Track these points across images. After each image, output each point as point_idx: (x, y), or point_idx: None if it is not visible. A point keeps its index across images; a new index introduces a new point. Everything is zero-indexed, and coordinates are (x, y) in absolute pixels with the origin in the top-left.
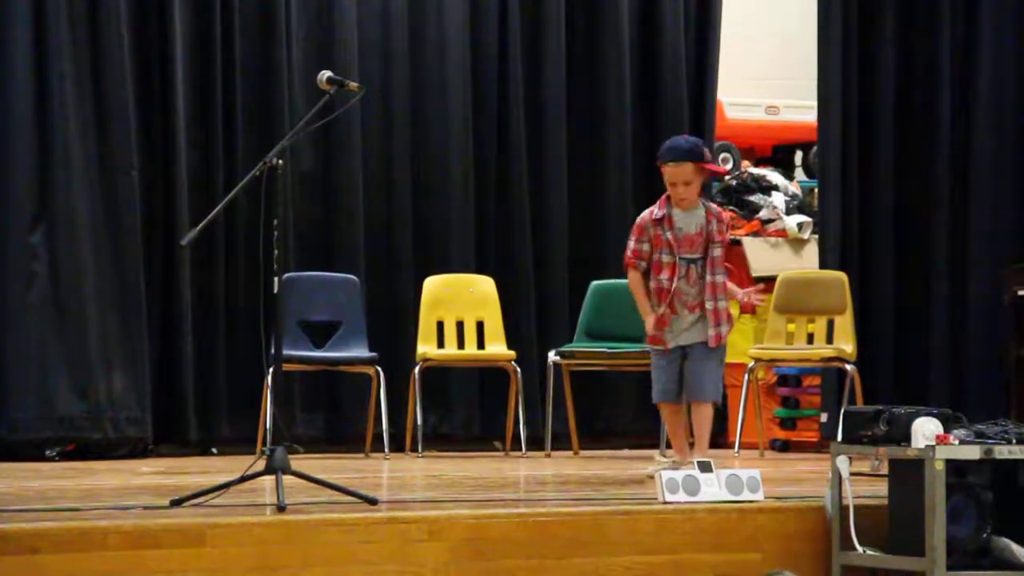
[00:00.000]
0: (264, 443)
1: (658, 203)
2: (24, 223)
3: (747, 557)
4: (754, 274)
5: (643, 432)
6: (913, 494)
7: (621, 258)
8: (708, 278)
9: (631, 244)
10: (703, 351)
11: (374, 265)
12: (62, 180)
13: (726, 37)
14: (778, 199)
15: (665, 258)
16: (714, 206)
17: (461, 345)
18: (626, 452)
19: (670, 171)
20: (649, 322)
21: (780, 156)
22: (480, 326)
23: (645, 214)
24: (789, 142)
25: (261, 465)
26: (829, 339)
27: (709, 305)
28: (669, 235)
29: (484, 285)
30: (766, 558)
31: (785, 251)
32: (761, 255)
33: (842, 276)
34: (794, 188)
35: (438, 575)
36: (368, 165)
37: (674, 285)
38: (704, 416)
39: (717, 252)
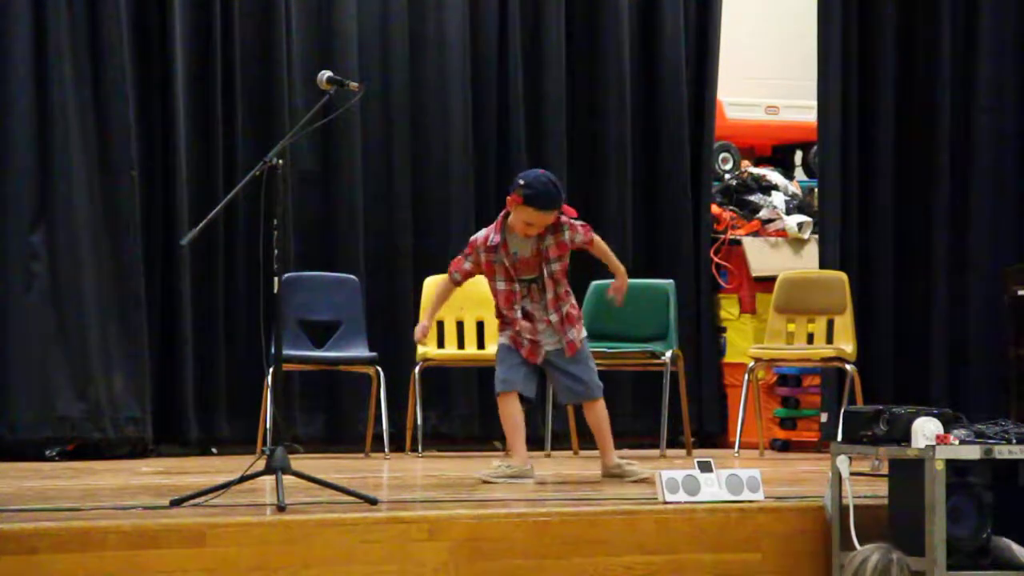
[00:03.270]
0: (264, 443)
1: (494, 227)
2: (24, 223)
3: (747, 557)
4: (754, 274)
5: (643, 432)
6: (913, 494)
7: (621, 258)
8: (549, 294)
9: (460, 258)
10: (565, 357)
11: (374, 265)
12: (62, 180)
13: (726, 37)
14: (778, 199)
15: (501, 285)
16: (559, 217)
17: (461, 345)
18: (626, 452)
19: (536, 216)
20: (419, 328)
21: (780, 156)
22: (480, 326)
23: (480, 236)
24: (789, 142)
25: (261, 465)
26: (829, 339)
27: (553, 318)
28: (506, 261)
29: (484, 285)
30: (766, 558)
31: (785, 251)
32: (761, 255)
33: (842, 276)
34: (794, 188)
35: (438, 575)
36: (368, 165)
37: (517, 313)
38: (600, 416)
39: (555, 267)
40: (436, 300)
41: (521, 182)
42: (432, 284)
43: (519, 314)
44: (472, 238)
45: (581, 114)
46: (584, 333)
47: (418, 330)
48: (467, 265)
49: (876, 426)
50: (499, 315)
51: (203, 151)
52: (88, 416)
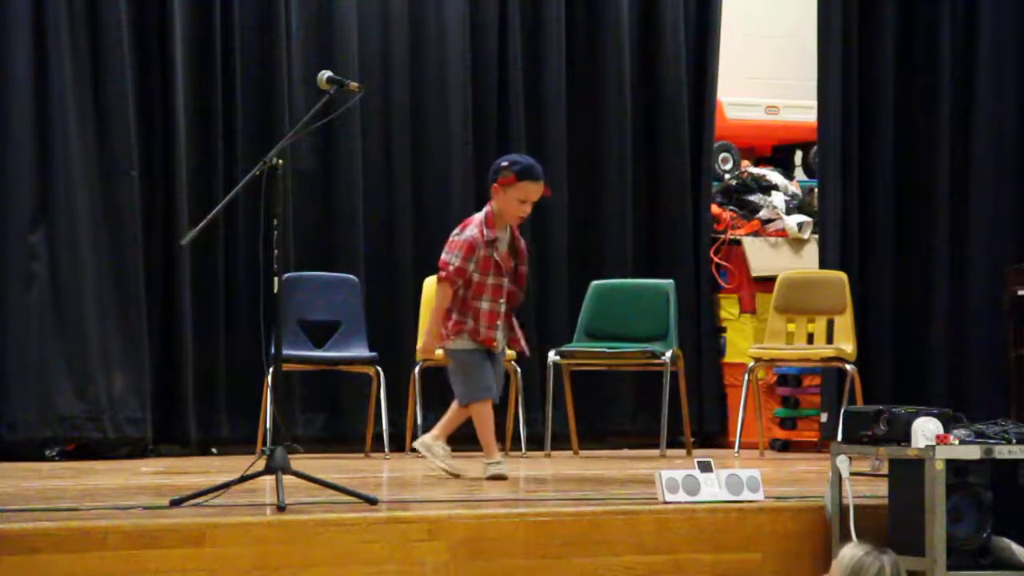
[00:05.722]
0: (264, 443)
1: (483, 222)
2: (24, 223)
3: (747, 557)
4: (754, 274)
5: (643, 432)
6: (913, 494)
7: (621, 258)
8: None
9: (456, 261)
10: (500, 357)
11: (374, 265)
12: (62, 180)
13: (726, 37)
14: (778, 199)
15: (491, 280)
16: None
17: None
18: (626, 452)
19: (531, 189)
20: (428, 340)
21: (780, 156)
22: None
23: (475, 233)
24: (789, 142)
25: (261, 465)
26: (829, 339)
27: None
28: (496, 256)
29: None
30: (766, 558)
31: (785, 251)
32: (761, 255)
33: (842, 276)
34: (794, 188)
35: (438, 575)
36: (368, 165)
37: (501, 308)
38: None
39: (524, 268)
40: (443, 312)
41: (504, 163)
42: (435, 293)
43: (502, 309)
44: (464, 239)
45: (581, 114)
46: None
47: (429, 344)
48: (470, 267)
49: (876, 426)
50: (462, 312)
51: (203, 152)
52: (88, 416)
